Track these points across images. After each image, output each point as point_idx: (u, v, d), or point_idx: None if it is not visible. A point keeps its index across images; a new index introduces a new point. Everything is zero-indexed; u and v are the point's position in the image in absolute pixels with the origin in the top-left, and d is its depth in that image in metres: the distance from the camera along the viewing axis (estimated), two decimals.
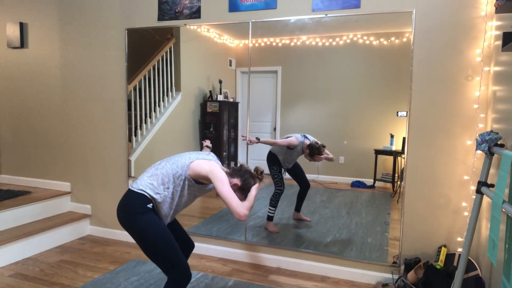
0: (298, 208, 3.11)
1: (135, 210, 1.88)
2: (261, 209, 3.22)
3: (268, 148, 3.15)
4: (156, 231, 1.88)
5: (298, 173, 3.09)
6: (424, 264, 2.54)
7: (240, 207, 1.79)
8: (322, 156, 2.93)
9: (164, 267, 1.93)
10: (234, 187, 1.96)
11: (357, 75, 2.81)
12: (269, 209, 3.15)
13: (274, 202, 3.14)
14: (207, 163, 1.93)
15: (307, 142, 2.97)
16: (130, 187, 1.98)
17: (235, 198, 1.81)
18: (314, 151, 2.94)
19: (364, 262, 2.84)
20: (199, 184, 1.98)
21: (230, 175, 2.01)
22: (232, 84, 3.24)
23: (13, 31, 3.94)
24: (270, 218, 3.16)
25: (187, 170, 1.93)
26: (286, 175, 3.14)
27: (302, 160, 3.06)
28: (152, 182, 1.93)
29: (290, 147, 3.04)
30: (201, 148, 3.43)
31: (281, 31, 2.97)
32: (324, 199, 3.02)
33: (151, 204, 1.93)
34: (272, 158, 3.14)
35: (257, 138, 3.08)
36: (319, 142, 2.93)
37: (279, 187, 3.13)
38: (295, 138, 3.01)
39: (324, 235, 3.00)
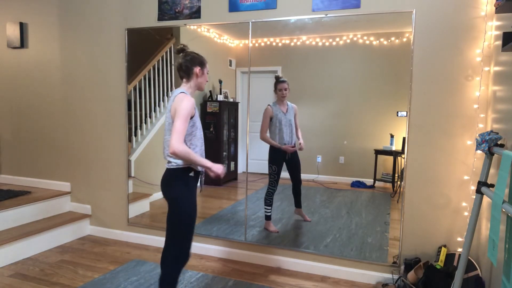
0: (297, 204, 3.11)
1: (173, 181, 2.03)
2: (261, 209, 3.22)
3: (268, 147, 3.15)
4: (188, 205, 2.02)
5: (294, 170, 3.09)
6: (424, 264, 2.54)
7: (179, 142, 1.88)
8: (286, 85, 3.01)
9: (173, 240, 2.03)
10: (201, 73, 2.09)
11: (357, 75, 2.81)
12: (265, 208, 3.16)
13: (268, 201, 3.15)
14: (174, 105, 1.98)
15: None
16: (166, 167, 2.07)
17: (181, 135, 1.89)
18: (275, 85, 3.04)
19: (364, 262, 2.84)
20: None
21: (187, 80, 2.10)
22: (232, 84, 3.24)
23: (13, 31, 3.94)
24: (268, 218, 3.16)
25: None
26: (282, 175, 3.14)
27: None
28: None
29: (272, 119, 3.06)
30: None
31: (281, 31, 2.97)
32: (324, 199, 3.02)
33: (192, 172, 2.05)
34: (271, 155, 3.13)
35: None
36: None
37: (272, 187, 3.14)
38: (266, 107, 3.08)
39: (324, 235, 3.00)
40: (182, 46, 2.11)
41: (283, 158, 3.10)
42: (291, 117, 3.04)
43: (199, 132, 2.09)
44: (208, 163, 2.02)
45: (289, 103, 3.05)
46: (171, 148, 1.87)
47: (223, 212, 3.37)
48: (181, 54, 2.11)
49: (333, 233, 2.97)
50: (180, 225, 2.00)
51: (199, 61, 2.10)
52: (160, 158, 3.50)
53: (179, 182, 2.02)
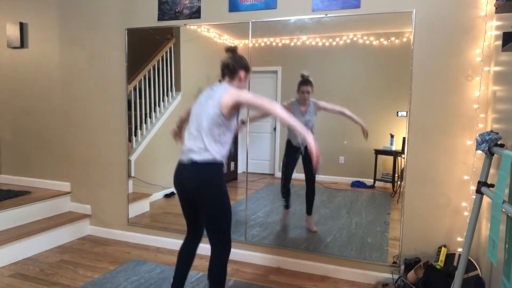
0: (307, 210, 3.06)
1: (215, 179, 1.97)
2: (261, 209, 3.22)
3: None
4: (228, 200, 2.01)
5: (308, 172, 3.04)
6: (424, 264, 2.54)
7: (271, 103, 1.88)
8: (309, 88, 2.92)
9: (219, 235, 2.03)
10: (244, 77, 2.11)
11: (357, 75, 2.81)
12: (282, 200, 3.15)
13: (282, 194, 3.11)
14: (227, 94, 1.97)
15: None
16: (196, 161, 1.95)
17: (261, 98, 1.91)
18: (298, 85, 2.95)
19: (364, 262, 2.84)
20: (234, 116, 2.03)
21: (230, 79, 2.11)
22: None
23: (13, 31, 3.94)
24: (284, 207, 3.13)
25: (223, 114, 1.96)
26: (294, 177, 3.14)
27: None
28: (213, 146, 1.97)
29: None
30: None
31: (281, 31, 2.97)
32: (324, 199, 3.02)
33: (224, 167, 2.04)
34: (286, 146, 3.08)
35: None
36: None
37: (281, 181, 3.10)
38: (287, 102, 3.02)
39: (324, 235, 3.00)
40: (234, 46, 2.14)
41: (296, 153, 3.03)
42: (310, 118, 2.96)
43: (228, 145, 2.07)
44: (308, 133, 1.84)
45: (311, 100, 2.95)
46: (274, 109, 1.85)
47: None
48: (230, 54, 2.12)
49: (333, 233, 2.97)
50: (227, 220, 2.01)
51: (245, 66, 2.12)
52: (160, 158, 3.50)
53: (219, 179, 1.98)
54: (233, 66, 2.08)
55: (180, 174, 2.03)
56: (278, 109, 1.86)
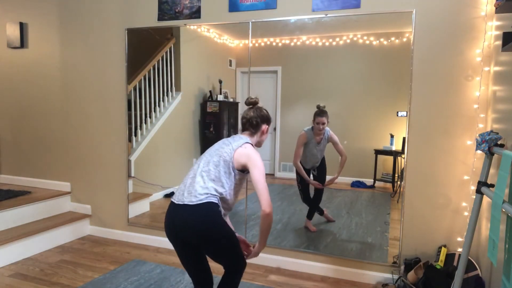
0: (308, 215, 3.07)
1: (215, 220, 1.84)
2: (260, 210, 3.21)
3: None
4: (231, 230, 1.94)
5: (318, 187, 3.05)
6: (424, 264, 2.54)
7: (270, 203, 1.83)
8: (324, 119, 2.90)
9: (234, 261, 1.97)
10: (266, 130, 2.09)
11: (357, 75, 2.81)
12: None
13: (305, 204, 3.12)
14: (245, 151, 1.91)
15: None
16: (191, 203, 1.82)
17: (268, 193, 1.84)
18: (314, 116, 2.93)
19: (364, 262, 2.84)
20: (242, 172, 1.95)
21: (251, 133, 2.06)
22: (232, 84, 3.24)
23: (13, 31, 3.94)
24: (307, 216, 3.11)
25: (233, 163, 1.90)
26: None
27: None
28: (213, 187, 1.87)
29: (304, 144, 3.02)
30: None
31: (281, 31, 2.98)
32: (324, 199, 3.02)
33: (221, 210, 1.90)
34: (296, 173, 3.10)
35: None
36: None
37: (301, 197, 3.10)
38: (302, 132, 3.00)
39: (324, 235, 3.00)
40: (255, 99, 2.08)
41: (308, 173, 3.06)
42: (322, 148, 2.97)
43: (234, 196, 1.99)
44: (263, 247, 2.02)
45: (327, 130, 2.94)
46: (268, 207, 1.80)
47: None
48: (252, 107, 2.07)
49: (333, 233, 2.98)
50: (235, 248, 1.94)
51: (268, 119, 2.09)
52: (160, 158, 3.50)
53: (220, 218, 1.85)
54: (257, 122, 2.04)
55: (175, 217, 1.84)
56: (267, 212, 1.82)
